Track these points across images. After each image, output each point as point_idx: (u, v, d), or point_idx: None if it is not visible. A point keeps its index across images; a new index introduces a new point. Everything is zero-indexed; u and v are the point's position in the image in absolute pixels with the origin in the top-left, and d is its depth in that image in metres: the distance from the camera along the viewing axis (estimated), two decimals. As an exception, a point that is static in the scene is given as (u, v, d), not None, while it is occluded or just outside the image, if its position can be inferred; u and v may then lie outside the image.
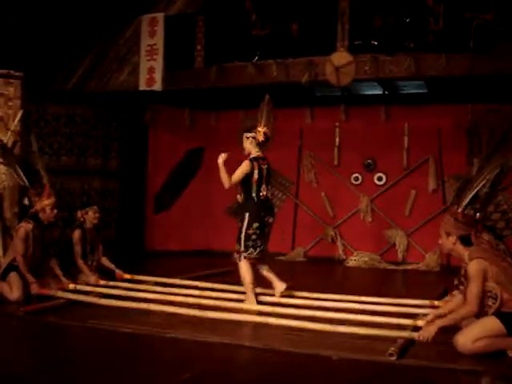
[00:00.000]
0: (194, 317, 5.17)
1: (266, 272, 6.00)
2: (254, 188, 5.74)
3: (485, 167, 4.96)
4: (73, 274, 6.61)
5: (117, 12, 9.17)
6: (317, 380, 3.74)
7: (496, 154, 4.98)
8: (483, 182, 4.88)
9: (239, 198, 5.85)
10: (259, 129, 5.83)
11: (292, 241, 10.56)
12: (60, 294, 5.88)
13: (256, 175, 5.72)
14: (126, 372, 3.78)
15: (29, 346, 4.57)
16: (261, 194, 5.75)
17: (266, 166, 5.87)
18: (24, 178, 6.32)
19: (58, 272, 6.27)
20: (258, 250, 5.72)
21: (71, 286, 6.18)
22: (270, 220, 5.81)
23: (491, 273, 4.17)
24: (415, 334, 4.39)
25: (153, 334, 4.64)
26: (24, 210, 6.42)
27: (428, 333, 4.29)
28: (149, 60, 9.15)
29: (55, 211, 6.18)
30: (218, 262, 9.07)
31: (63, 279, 6.23)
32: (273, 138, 5.93)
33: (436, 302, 5.62)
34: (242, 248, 5.71)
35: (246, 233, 5.69)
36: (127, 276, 6.99)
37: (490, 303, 4.16)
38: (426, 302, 5.68)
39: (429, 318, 4.77)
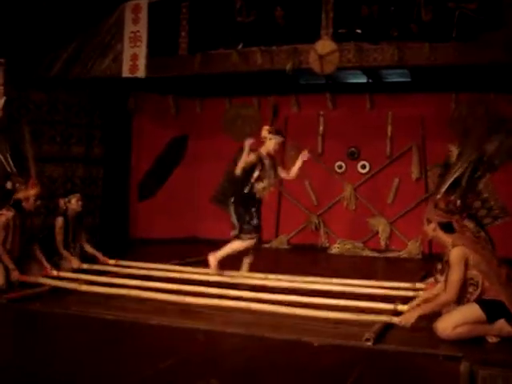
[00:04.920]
0: (177, 303, 5.20)
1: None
2: None
3: (464, 154, 5.03)
4: (55, 262, 6.60)
5: (100, -2, 9.10)
6: (298, 365, 3.78)
7: (475, 141, 5.04)
8: (461, 170, 4.94)
9: None
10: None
11: (276, 228, 10.59)
12: (42, 280, 5.88)
13: None
14: (109, 359, 3.80)
15: (11, 333, 4.58)
16: None
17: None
18: (11, 163, 6.29)
19: (41, 258, 6.25)
20: None
21: (54, 272, 6.20)
22: None
23: (472, 261, 4.23)
24: (395, 319, 4.45)
25: (135, 321, 4.66)
26: (4, 194, 6.35)
27: (408, 319, 4.35)
28: (132, 47, 9.06)
29: (38, 202, 6.18)
30: (202, 249, 9.07)
31: (46, 265, 6.23)
32: None
33: (417, 285, 5.70)
34: None
35: None
36: (112, 261, 6.98)
37: (471, 290, 4.22)
38: (408, 285, 5.75)
39: (414, 303, 4.83)
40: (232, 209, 6.13)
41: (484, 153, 5.31)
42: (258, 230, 6.16)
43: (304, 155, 6.30)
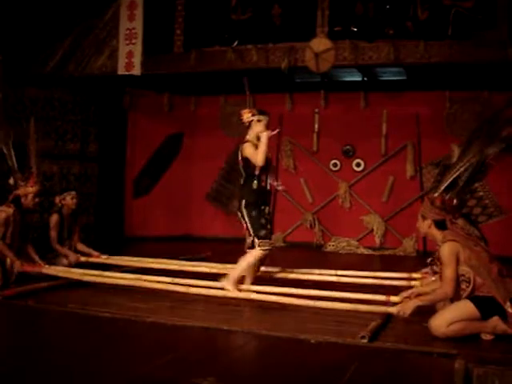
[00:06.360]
0: (174, 301, 5.21)
1: None
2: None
3: (465, 155, 5.04)
4: (50, 260, 6.59)
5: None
6: (295, 362, 3.79)
7: (476, 142, 5.05)
8: (462, 170, 4.96)
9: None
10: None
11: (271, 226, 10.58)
12: (45, 270, 5.91)
13: None
14: (105, 356, 3.79)
15: (7, 330, 4.57)
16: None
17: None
18: (14, 159, 6.27)
19: (35, 257, 6.24)
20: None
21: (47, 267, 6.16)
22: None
23: (463, 256, 4.26)
24: (393, 309, 4.48)
25: (133, 319, 4.66)
26: (5, 190, 6.34)
27: (405, 309, 4.38)
28: (128, 44, 9.07)
29: (37, 199, 6.18)
30: (197, 247, 9.09)
31: (40, 262, 6.19)
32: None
33: (414, 274, 5.73)
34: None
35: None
36: (104, 257, 6.95)
37: (463, 287, 4.25)
38: (405, 275, 5.78)
39: (406, 293, 4.85)
40: (245, 214, 5.32)
41: (485, 156, 5.31)
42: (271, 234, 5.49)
43: (268, 132, 5.29)
